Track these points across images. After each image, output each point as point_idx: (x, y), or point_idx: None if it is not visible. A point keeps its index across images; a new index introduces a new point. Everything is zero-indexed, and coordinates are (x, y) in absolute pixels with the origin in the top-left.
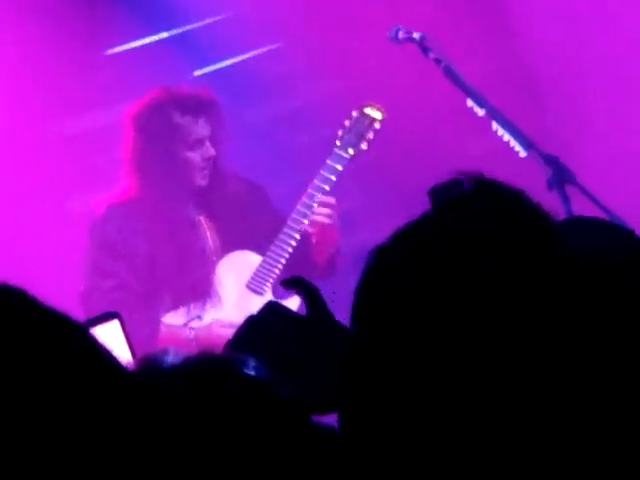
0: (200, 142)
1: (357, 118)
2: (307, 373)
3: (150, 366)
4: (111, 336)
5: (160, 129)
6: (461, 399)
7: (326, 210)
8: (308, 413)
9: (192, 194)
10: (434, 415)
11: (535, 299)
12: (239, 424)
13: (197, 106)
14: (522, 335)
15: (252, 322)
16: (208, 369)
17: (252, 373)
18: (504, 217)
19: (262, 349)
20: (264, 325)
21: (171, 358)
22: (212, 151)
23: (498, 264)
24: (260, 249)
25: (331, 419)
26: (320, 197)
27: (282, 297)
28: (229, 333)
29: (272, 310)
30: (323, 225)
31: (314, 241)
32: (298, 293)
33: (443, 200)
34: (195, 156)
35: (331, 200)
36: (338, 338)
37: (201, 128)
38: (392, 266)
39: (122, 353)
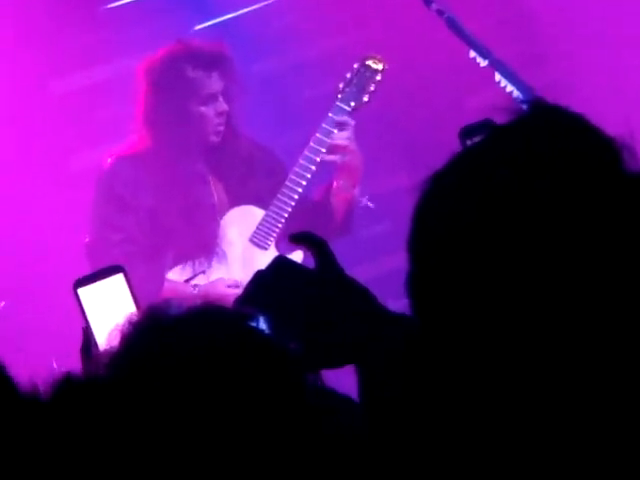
0: (213, 96)
1: (359, 70)
2: (317, 328)
3: (156, 316)
4: (116, 289)
5: (173, 83)
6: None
7: (345, 133)
8: (314, 368)
9: (203, 150)
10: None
11: (598, 222)
12: (244, 378)
13: (210, 60)
14: (581, 260)
15: (261, 277)
16: (213, 320)
17: (260, 327)
18: (565, 138)
19: (271, 304)
20: (273, 280)
21: (175, 309)
22: (225, 106)
23: (558, 185)
24: (265, 207)
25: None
26: (325, 146)
27: (285, 251)
28: (234, 292)
29: (281, 265)
30: (345, 148)
31: (336, 173)
32: (307, 247)
33: (498, 125)
34: (208, 110)
35: (348, 120)
36: (348, 291)
37: (214, 82)
38: (450, 189)
39: (126, 306)
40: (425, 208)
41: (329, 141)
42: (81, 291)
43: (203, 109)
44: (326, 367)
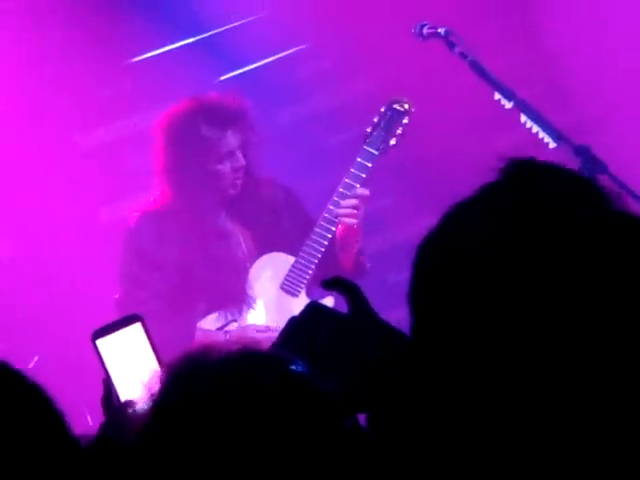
0: (230, 153)
1: (385, 113)
2: (351, 372)
3: (194, 361)
4: (134, 339)
5: (189, 142)
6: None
7: (351, 204)
8: (353, 411)
9: (224, 203)
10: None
11: (584, 260)
12: (286, 419)
13: (226, 118)
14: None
15: (295, 323)
16: (254, 363)
17: (298, 369)
18: (548, 188)
19: (306, 349)
20: (307, 326)
21: (214, 355)
22: (242, 161)
23: (544, 228)
24: (293, 252)
25: None
26: (353, 191)
27: (316, 298)
28: (264, 336)
29: (314, 310)
30: (346, 222)
31: (337, 239)
32: (339, 292)
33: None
34: (225, 167)
35: (364, 191)
36: (382, 336)
37: (230, 139)
38: (469, 220)
39: (146, 356)
40: (422, 259)
41: (358, 185)
42: (100, 342)
43: (220, 167)
44: (363, 410)
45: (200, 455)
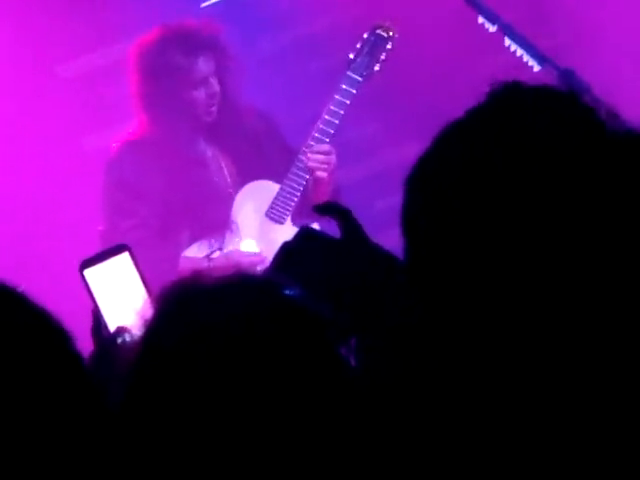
0: (203, 80)
1: (369, 39)
2: (346, 296)
3: (188, 287)
4: (123, 269)
5: (162, 70)
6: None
7: (319, 157)
8: (348, 335)
9: (201, 130)
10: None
11: (587, 186)
12: (282, 342)
13: (198, 44)
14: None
15: (288, 248)
16: (247, 287)
17: (292, 294)
18: (539, 109)
19: (300, 273)
20: (300, 250)
21: (207, 280)
22: (216, 87)
23: (541, 154)
24: (275, 178)
25: None
26: (317, 146)
27: (301, 225)
28: (248, 260)
29: (307, 235)
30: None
31: (312, 189)
32: (332, 217)
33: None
34: (199, 94)
35: (325, 147)
36: (376, 259)
37: (203, 66)
38: (435, 170)
39: (134, 285)
40: (412, 192)
41: (342, 112)
42: (87, 272)
43: (193, 93)
44: (357, 333)
45: (201, 380)
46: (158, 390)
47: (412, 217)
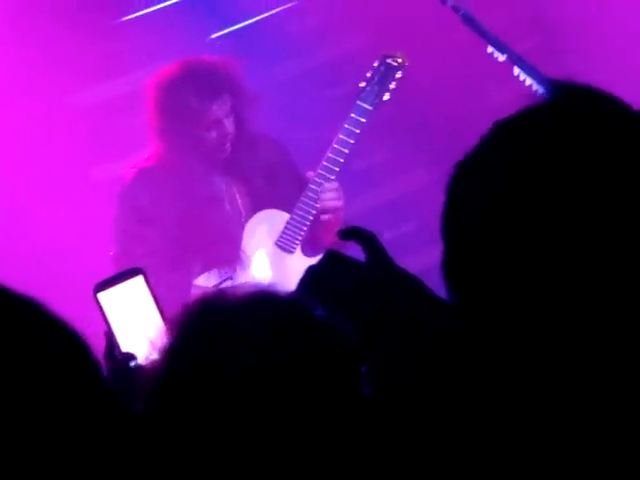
0: (216, 122)
1: (379, 68)
2: (372, 319)
3: (213, 302)
4: (136, 292)
5: (176, 109)
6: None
7: (332, 194)
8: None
9: (215, 164)
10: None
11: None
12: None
13: (215, 86)
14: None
15: (314, 271)
16: (274, 306)
17: (320, 315)
18: (598, 116)
19: (325, 297)
20: (326, 274)
21: (231, 297)
22: (229, 128)
23: (592, 162)
24: (289, 209)
25: None
26: (325, 185)
27: (310, 255)
28: None
29: (333, 258)
30: (336, 209)
31: (322, 226)
32: (356, 241)
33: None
34: (211, 135)
35: (334, 185)
36: (402, 282)
37: (218, 109)
38: (481, 168)
39: (148, 308)
40: (457, 189)
41: (352, 141)
42: (101, 295)
43: (206, 134)
44: (383, 353)
45: (228, 396)
46: (187, 403)
47: (453, 217)
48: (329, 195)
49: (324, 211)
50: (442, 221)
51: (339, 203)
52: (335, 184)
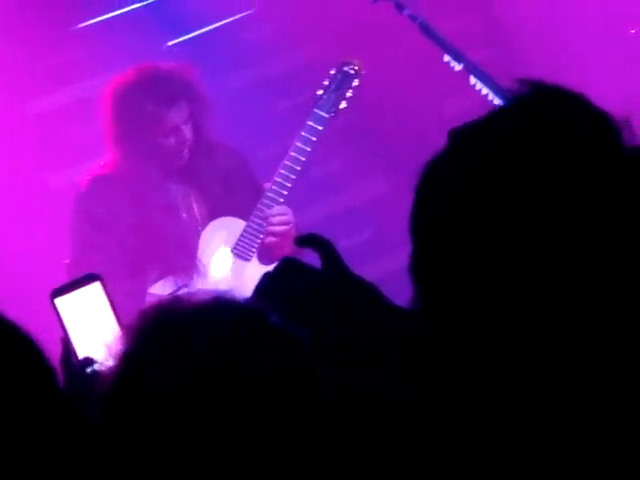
0: (174, 128)
1: (335, 76)
2: (328, 322)
3: (168, 309)
4: (94, 298)
5: (132, 116)
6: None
7: (280, 219)
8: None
9: (172, 171)
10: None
11: (597, 200)
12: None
13: (172, 93)
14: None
15: (270, 278)
16: (230, 312)
17: (275, 321)
18: (563, 115)
19: (281, 301)
20: (282, 280)
21: (186, 303)
22: (187, 135)
23: (555, 163)
24: (246, 217)
25: None
26: (274, 209)
27: (267, 263)
28: None
29: (289, 265)
30: (285, 233)
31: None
32: (313, 248)
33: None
34: (169, 141)
35: (282, 209)
36: (355, 288)
37: (175, 116)
38: (449, 169)
39: (105, 315)
40: (422, 191)
41: (309, 149)
42: (58, 301)
43: (164, 140)
44: (337, 359)
45: (181, 405)
46: (141, 408)
47: (422, 217)
48: (277, 219)
49: (272, 234)
50: (410, 221)
51: (286, 228)
52: (284, 208)
